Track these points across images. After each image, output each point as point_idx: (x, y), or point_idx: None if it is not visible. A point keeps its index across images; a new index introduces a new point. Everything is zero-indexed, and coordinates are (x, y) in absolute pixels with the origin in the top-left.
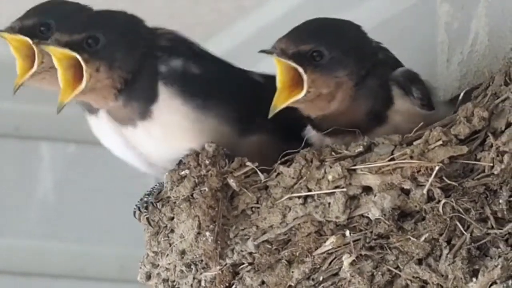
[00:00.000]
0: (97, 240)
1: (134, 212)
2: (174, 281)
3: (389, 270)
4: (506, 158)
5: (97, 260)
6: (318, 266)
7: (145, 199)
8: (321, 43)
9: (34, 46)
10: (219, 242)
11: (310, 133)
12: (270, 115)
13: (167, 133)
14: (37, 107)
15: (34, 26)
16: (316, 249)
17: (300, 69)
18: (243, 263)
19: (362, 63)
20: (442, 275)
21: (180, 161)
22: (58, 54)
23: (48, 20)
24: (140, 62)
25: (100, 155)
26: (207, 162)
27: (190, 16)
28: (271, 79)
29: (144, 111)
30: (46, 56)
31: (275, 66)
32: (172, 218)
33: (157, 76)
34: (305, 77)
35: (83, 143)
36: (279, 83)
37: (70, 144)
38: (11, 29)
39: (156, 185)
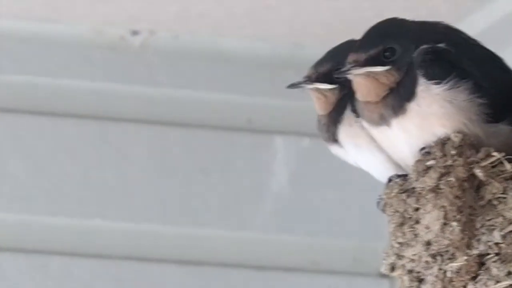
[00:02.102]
0: (330, 233)
1: (378, 203)
2: (419, 272)
3: None
4: None
5: (330, 253)
6: None
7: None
8: None
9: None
10: (466, 232)
11: None
12: None
13: (424, 122)
14: (269, 100)
15: (330, 71)
16: None
17: None
18: (489, 254)
19: None
20: None
21: (426, 151)
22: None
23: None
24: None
25: None
26: (453, 152)
27: (424, 8)
28: None
29: (399, 106)
30: None
31: None
32: (418, 209)
33: (411, 66)
34: None
35: (317, 136)
36: None
37: (304, 137)
38: (309, 79)
39: (394, 177)
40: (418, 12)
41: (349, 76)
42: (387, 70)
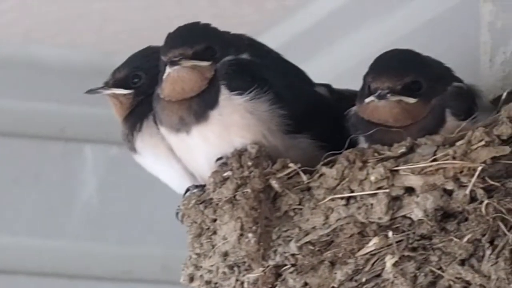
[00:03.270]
0: (140, 241)
1: (177, 213)
2: (216, 283)
3: (432, 271)
4: None
5: (140, 261)
6: (361, 267)
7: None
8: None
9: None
10: (261, 243)
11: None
12: None
13: (225, 132)
14: (81, 108)
15: (126, 76)
16: (358, 250)
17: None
18: (286, 265)
19: None
20: (485, 276)
21: (223, 161)
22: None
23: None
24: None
25: None
26: (249, 163)
27: (234, 16)
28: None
29: (202, 112)
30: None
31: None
32: (215, 220)
33: (216, 75)
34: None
35: (125, 145)
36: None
37: (112, 146)
38: (106, 84)
39: (192, 188)
40: (227, 20)
41: (177, 68)
42: (210, 65)
